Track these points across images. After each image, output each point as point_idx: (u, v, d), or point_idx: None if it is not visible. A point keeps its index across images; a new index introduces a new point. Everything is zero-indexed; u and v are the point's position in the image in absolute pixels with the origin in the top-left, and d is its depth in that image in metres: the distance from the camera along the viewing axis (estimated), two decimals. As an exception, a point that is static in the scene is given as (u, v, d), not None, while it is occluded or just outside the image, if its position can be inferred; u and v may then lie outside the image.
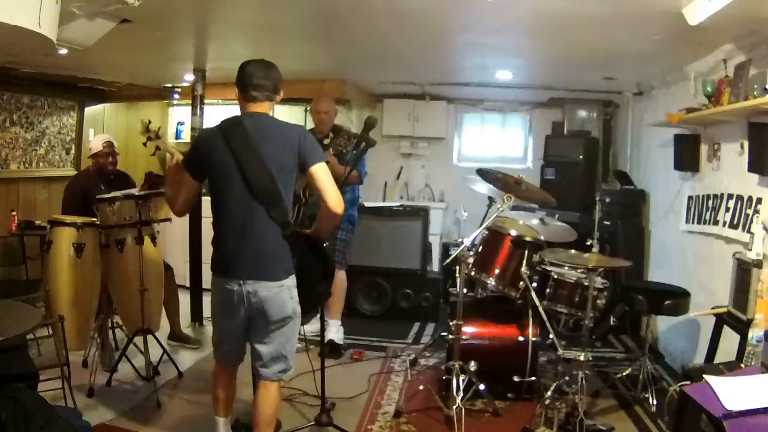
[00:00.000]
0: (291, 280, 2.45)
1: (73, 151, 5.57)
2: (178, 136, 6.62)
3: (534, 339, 3.44)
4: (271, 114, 2.51)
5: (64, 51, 3.31)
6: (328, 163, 2.51)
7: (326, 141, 4.27)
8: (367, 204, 5.21)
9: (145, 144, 3.21)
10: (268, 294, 2.38)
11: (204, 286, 4.78)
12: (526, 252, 3.49)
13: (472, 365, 3.22)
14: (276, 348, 2.47)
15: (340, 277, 4.35)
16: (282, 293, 2.41)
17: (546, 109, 6.40)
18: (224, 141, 2.38)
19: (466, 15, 3.11)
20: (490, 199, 3.98)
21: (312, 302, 2.69)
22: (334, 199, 2.42)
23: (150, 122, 3.23)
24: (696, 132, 3.92)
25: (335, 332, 4.33)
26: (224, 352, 2.60)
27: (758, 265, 2.72)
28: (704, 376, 2.27)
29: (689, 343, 3.88)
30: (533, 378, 3.42)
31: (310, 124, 6.23)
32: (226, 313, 2.47)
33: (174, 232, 5.27)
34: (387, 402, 3.48)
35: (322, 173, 2.42)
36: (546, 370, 3.76)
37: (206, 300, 4.75)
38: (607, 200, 4.86)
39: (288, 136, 2.42)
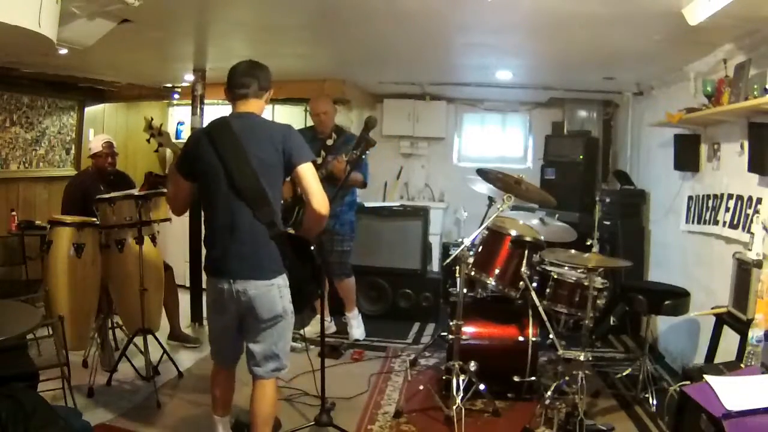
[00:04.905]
0: (281, 279, 2.44)
1: (73, 151, 5.57)
2: (178, 135, 6.60)
3: (534, 339, 3.44)
4: (261, 114, 2.49)
5: (64, 51, 3.31)
6: (319, 162, 2.50)
7: (329, 141, 4.27)
8: (367, 204, 5.20)
9: (148, 140, 3.21)
10: (257, 293, 2.38)
11: (204, 286, 4.77)
12: (526, 252, 3.49)
13: (472, 365, 3.22)
14: (268, 347, 2.47)
15: (351, 282, 4.53)
16: (271, 292, 2.40)
17: (546, 109, 6.40)
18: (210, 142, 2.38)
19: (466, 15, 3.11)
20: (490, 199, 3.98)
21: (301, 303, 2.67)
22: (319, 200, 2.41)
23: (152, 119, 3.23)
24: (696, 132, 3.92)
25: (356, 327, 4.55)
26: (218, 351, 2.62)
27: (758, 265, 2.72)
28: (704, 376, 2.27)
29: (689, 343, 3.88)
30: (533, 378, 3.42)
31: (310, 124, 6.30)
32: (218, 310, 2.49)
33: (174, 232, 5.27)
34: (387, 402, 3.48)
35: (308, 173, 2.41)
36: (546, 370, 3.75)
37: (206, 300, 4.77)
38: (607, 200, 4.86)
39: (273, 135, 2.41)
